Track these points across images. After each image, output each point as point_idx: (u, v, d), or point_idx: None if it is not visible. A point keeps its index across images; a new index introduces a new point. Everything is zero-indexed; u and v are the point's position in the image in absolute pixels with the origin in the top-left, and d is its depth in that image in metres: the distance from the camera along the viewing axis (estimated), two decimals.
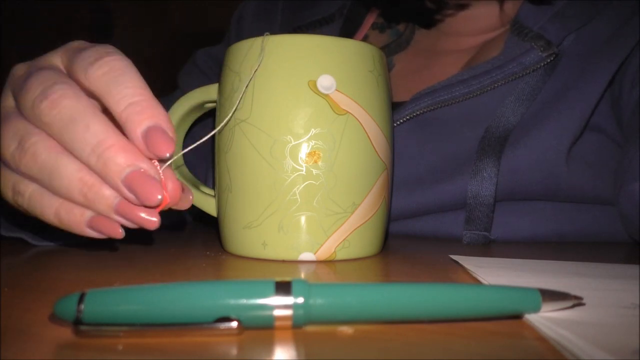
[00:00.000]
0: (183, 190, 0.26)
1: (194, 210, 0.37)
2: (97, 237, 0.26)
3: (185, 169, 0.38)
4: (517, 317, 0.19)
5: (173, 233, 0.47)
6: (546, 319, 0.18)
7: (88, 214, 0.25)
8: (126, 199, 0.24)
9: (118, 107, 0.24)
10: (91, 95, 0.25)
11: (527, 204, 0.43)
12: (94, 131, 0.23)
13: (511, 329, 0.18)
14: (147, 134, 0.24)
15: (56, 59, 0.27)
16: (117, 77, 0.24)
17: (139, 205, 0.24)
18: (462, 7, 0.49)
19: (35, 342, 0.16)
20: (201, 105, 0.36)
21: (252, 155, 0.30)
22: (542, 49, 0.42)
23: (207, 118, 0.39)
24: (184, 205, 0.27)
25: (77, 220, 0.25)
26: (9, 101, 0.27)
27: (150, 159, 0.24)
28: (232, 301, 0.17)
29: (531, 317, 0.18)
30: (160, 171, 0.25)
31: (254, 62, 0.30)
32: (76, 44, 0.27)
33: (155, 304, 0.17)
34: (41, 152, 0.24)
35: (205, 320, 0.16)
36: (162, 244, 0.38)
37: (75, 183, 0.24)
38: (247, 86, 0.30)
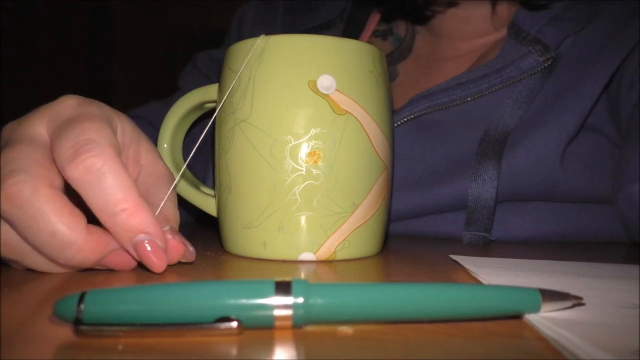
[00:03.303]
0: (184, 244, 0.27)
1: (194, 210, 0.37)
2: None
3: (185, 170, 0.38)
4: (517, 317, 0.19)
5: None
6: (546, 319, 0.18)
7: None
8: None
9: (101, 216, 0.24)
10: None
11: (527, 204, 0.43)
12: (60, 238, 0.23)
13: (511, 329, 0.18)
14: (137, 248, 0.24)
15: (41, 126, 0.26)
16: (94, 180, 0.23)
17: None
18: (451, 4, 0.49)
19: (35, 342, 0.16)
20: (201, 105, 0.36)
21: (252, 155, 0.30)
22: (539, 53, 0.42)
23: (207, 118, 0.39)
24: (189, 259, 0.28)
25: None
26: None
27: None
28: (232, 301, 0.17)
29: (531, 317, 0.18)
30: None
31: (254, 62, 0.30)
32: (64, 110, 0.26)
33: (155, 304, 0.17)
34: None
35: (205, 320, 0.16)
36: None
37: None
38: (237, 79, 0.30)
